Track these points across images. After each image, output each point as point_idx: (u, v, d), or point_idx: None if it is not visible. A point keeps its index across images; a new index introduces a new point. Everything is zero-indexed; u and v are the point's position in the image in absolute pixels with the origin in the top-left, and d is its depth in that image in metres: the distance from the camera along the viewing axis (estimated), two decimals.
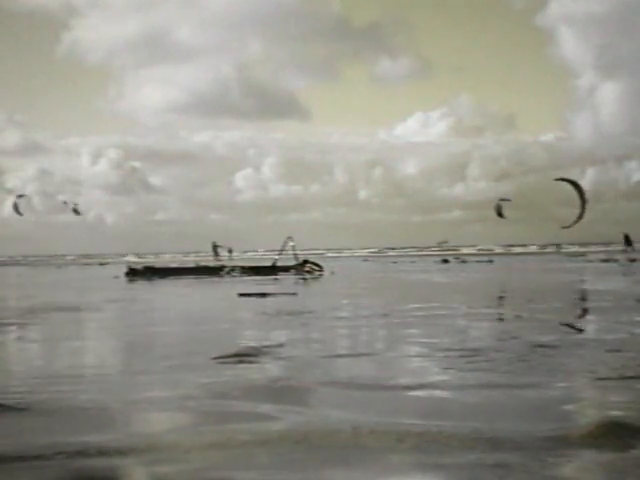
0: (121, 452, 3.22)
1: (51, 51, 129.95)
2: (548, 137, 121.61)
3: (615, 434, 3.33)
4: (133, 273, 25.84)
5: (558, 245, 51.14)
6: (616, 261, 32.83)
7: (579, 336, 7.12)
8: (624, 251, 47.01)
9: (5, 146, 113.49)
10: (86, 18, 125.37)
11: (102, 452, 3.22)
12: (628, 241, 48.98)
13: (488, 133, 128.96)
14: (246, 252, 71.38)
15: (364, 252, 73.93)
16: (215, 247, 41.14)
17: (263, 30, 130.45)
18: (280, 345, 6.58)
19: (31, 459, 3.16)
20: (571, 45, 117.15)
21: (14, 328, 8.91)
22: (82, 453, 3.21)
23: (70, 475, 2.96)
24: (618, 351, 5.78)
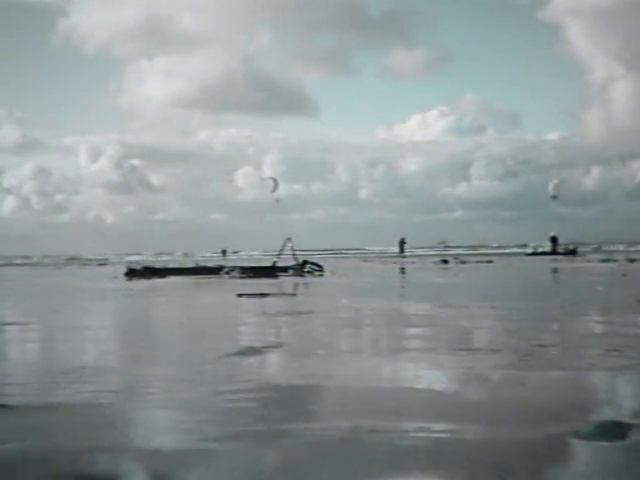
0: (122, 451, 3.22)
1: (47, 42, 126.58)
2: (554, 135, 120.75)
3: (615, 433, 3.32)
4: (132, 273, 25.83)
5: (556, 243, 51.02)
6: (615, 261, 32.87)
7: (579, 336, 7.12)
8: (553, 252, 46.91)
9: (2, 144, 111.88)
10: (84, 5, 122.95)
11: (103, 451, 3.22)
12: (555, 242, 48.93)
13: (492, 131, 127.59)
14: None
15: (364, 252, 73.88)
16: (403, 243, 37.07)
17: (272, 19, 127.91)
18: (279, 345, 6.57)
19: (32, 458, 3.16)
20: (578, 41, 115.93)
21: (14, 328, 8.90)
22: (83, 453, 3.21)
23: (71, 475, 2.96)
24: (618, 351, 5.77)
